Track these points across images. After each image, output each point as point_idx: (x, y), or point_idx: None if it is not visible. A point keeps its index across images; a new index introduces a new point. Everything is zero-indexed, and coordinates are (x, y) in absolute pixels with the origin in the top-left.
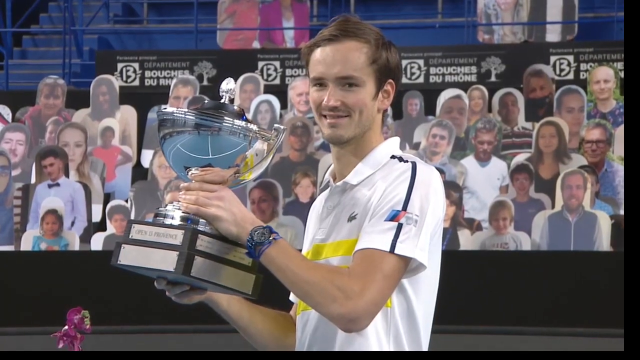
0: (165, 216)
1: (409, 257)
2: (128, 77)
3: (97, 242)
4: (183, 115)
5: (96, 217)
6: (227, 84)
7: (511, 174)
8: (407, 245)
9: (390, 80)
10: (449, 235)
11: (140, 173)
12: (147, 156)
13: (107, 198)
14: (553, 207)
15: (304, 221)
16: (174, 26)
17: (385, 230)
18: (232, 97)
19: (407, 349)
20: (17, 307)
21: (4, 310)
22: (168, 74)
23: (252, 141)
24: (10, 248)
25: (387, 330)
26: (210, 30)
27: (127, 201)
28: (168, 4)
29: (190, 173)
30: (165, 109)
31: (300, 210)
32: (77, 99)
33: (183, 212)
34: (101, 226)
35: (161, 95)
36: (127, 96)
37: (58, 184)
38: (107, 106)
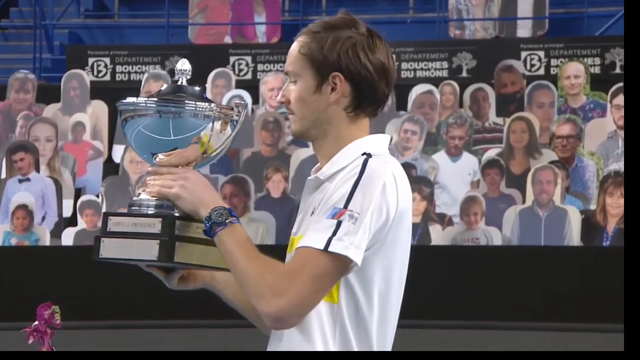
0: (140, 205)
1: (343, 255)
2: (99, 71)
3: (68, 237)
4: (144, 105)
5: (67, 212)
6: (183, 65)
7: (482, 169)
8: (342, 242)
9: (336, 74)
10: (420, 230)
11: (111, 168)
12: (118, 151)
13: (78, 193)
14: (524, 202)
15: (276, 216)
16: (145, 21)
17: (325, 228)
18: (188, 77)
19: (354, 346)
20: None
21: None
22: (139, 68)
23: (214, 120)
24: None
25: (333, 326)
26: (181, 25)
27: (98, 196)
28: None
29: (157, 158)
30: (124, 100)
31: (272, 205)
32: (48, 93)
33: (154, 199)
34: (72, 221)
35: (132, 90)
36: (98, 91)
37: (28, 179)
38: (78, 101)
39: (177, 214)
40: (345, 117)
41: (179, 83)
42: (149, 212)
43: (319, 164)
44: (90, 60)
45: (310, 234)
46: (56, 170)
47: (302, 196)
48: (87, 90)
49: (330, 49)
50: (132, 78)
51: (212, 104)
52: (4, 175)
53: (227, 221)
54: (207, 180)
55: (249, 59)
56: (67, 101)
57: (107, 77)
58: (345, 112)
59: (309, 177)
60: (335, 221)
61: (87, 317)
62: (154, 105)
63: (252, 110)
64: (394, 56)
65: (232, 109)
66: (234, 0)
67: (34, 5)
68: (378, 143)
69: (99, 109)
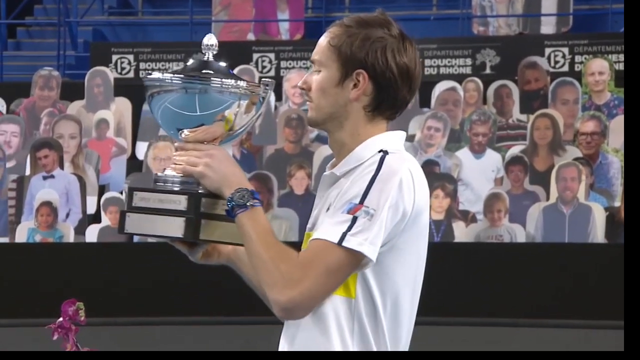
0: (165, 182)
1: (357, 251)
2: (123, 69)
3: (91, 234)
4: (170, 80)
5: (91, 209)
6: (209, 40)
7: (506, 166)
8: (357, 238)
9: (361, 71)
10: (444, 227)
11: (135, 165)
12: (141, 148)
13: (102, 190)
14: (548, 199)
15: (299, 213)
16: (168, 18)
17: (340, 222)
18: (214, 52)
19: (372, 341)
20: (11, 299)
21: None
22: (163, 65)
23: (241, 97)
24: (4, 240)
25: (351, 321)
26: (205, 22)
27: (121, 193)
28: None
29: (182, 134)
30: (150, 74)
31: (295, 202)
32: (72, 90)
33: (179, 175)
34: (96, 218)
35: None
36: (121, 88)
37: (53, 176)
38: (101, 98)
39: (201, 191)
40: (363, 116)
41: (206, 58)
42: (174, 188)
43: (334, 159)
44: (114, 57)
45: (325, 227)
46: (80, 167)
47: (317, 192)
48: (111, 87)
49: (359, 46)
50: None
51: (239, 81)
52: (28, 172)
53: (248, 204)
54: (233, 159)
55: (272, 56)
56: (91, 98)
57: (131, 74)
58: (364, 111)
59: (324, 173)
60: (350, 216)
61: (110, 313)
62: (180, 82)
63: (275, 107)
64: (422, 62)
65: (258, 86)
66: None
67: (58, 3)
68: (394, 140)
69: (122, 106)
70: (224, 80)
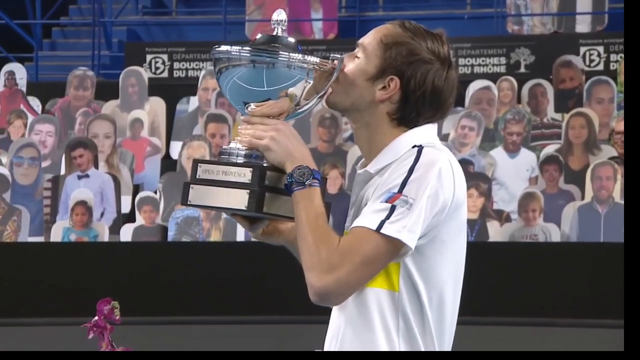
0: (230, 154)
1: (395, 238)
2: (157, 68)
3: (126, 233)
4: (237, 53)
5: (125, 208)
6: (279, 15)
7: (541, 165)
8: (395, 226)
9: (395, 78)
10: (478, 227)
11: (169, 164)
12: (176, 148)
13: (136, 189)
14: (583, 198)
15: (333, 212)
16: (202, 17)
17: (378, 210)
18: (284, 28)
19: (418, 337)
20: (47, 298)
21: (34, 301)
22: (197, 65)
23: (309, 72)
24: (40, 239)
25: (395, 316)
26: (238, 22)
27: (156, 192)
28: None
29: (249, 108)
30: (218, 48)
31: (329, 201)
32: (107, 90)
33: (244, 148)
34: (130, 217)
35: (190, 86)
36: (156, 87)
37: (87, 175)
38: (136, 97)
39: (265, 164)
40: (388, 120)
41: (274, 34)
42: (239, 161)
43: (363, 160)
44: (148, 57)
45: (364, 215)
46: (114, 167)
47: (352, 190)
48: (145, 86)
49: (405, 56)
50: (189, 75)
51: (307, 56)
52: (63, 172)
53: (306, 182)
54: (298, 135)
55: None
56: (125, 98)
57: (165, 74)
58: (388, 117)
59: (357, 172)
60: (389, 205)
61: (146, 313)
62: (248, 55)
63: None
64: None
65: (327, 61)
66: None
67: (92, 3)
68: (428, 134)
69: (156, 105)
70: (291, 54)
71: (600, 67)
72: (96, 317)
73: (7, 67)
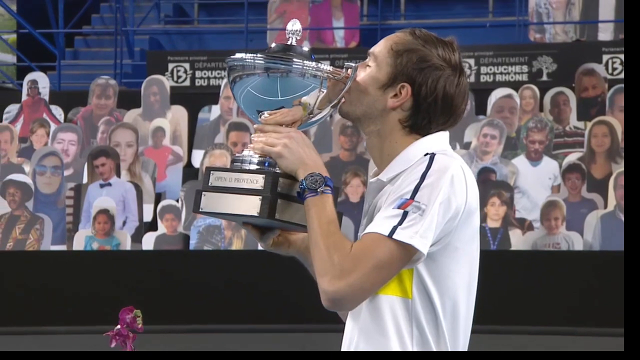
0: (242, 161)
1: (408, 244)
2: (179, 77)
3: (148, 242)
4: (252, 60)
5: (147, 216)
6: (293, 25)
7: (563, 173)
8: (407, 232)
9: (406, 85)
10: (500, 235)
11: (191, 173)
12: (197, 156)
13: (158, 198)
14: (606, 207)
15: (354, 221)
16: (224, 26)
17: (391, 217)
18: (298, 37)
19: (432, 344)
20: (69, 306)
21: (57, 310)
22: (218, 74)
23: (323, 81)
24: (62, 247)
25: (409, 323)
26: (260, 30)
27: (177, 201)
28: (218, 4)
29: (262, 116)
30: (233, 56)
31: (351, 210)
32: (129, 99)
33: (257, 155)
34: (152, 226)
35: (212, 95)
36: (177, 96)
37: (110, 184)
38: (158, 106)
39: (278, 171)
40: (400, 128)
41: (289, 43)
42: (251, 168)
43: (376, 169)
44: (170, 65)
45: (376, 221)
46: (137, 175)
47: (365, 199)
48: (167, 95)
49: (416, 63)
50: (211, 83)
51: (321, 64)
52: (85, 180)
53: (319, 189)
54: (311, 143)
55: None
56: (148, 106)
57: (187, 83)
58: (400, 124)
59: (370, 180)
60: (401, 211)
61: (168, 321)
62: (262, 62)
63: (331, 115)
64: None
65: (340, 70)
66: (312, 5)
67: (115, 12)
68: (439, 141)
69: (178, 114)
70: (305, 62)
71: (623, 75)
72: (118, 326)
73: (30, 76)
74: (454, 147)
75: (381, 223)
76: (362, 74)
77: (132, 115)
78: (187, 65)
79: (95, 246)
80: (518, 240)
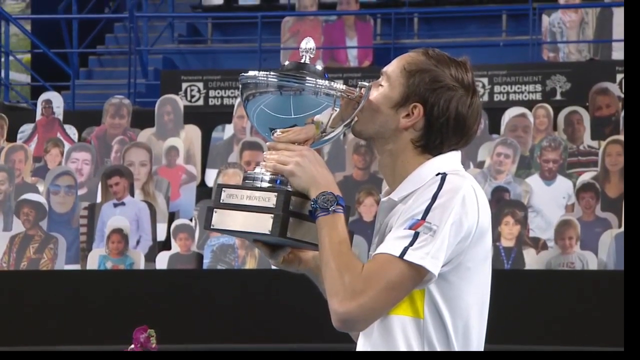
0: (254, 179)
1: (419, 265)
2: (192, 96)
3: (162, 261)
4: (265, 78)
5: (161, 236)
6: (307, 43)
7: (577, 192)
8: (419, 253)
9: (418, 105)
10: (514, 254)
11: (204, 192)
12: (211, 175)
13: (172, 217)
14: (620, 226)
15: (368, 240)
16: (237, 46)
17: (402, 237)
18: (312, 56)
19: None
20: (83, 326)
21: (71, 329)
22: (232, 93)
23: (336, 100)
24: (76, 267)
25: (420, 343)
26: (274, 50)
27: (191, 220)
28: (232, 23)
29: (275, 134)
30: (246, 74)
31: (364, 229)
32: (142, 118)
33: (269, 173)
34: (166, 245)
35: (225, 114)
36: (191, 115)
37: (123, 203)
38: (171, 125)
39: (290, 190)
40: (412, 148)
41: (302, 61)
42: (263, 185)
43: (387, 188)
44: (184, 85)
45: (387, 242)
46: (150, 195)
47: (376, 218)
48: (181, 114)
49: (429, 83)
50: (225, 102)
51: (334, 82)
52: (99, 200)
53: (331, 208)
54: (323, 162)
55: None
56: (161, 126)
57: (201, 102)
58: (412, 144)
59: (381, 200)
60: (412, 232)
61: (181, 340)
62: (275, 80)
63: (344, 134)
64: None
65: (353, 89)
66: (325, 24)
67: (129, 32)
68: (451, 161)
69: (192, 133)
70: (318, 80)
71: None
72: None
73: (44, 95)
74: (467, 166)
75: (392, 244)
76: (375, 93)
77: (145, 135)
78: (200, 85)
79: (109, 265)
80: (532, 260)
